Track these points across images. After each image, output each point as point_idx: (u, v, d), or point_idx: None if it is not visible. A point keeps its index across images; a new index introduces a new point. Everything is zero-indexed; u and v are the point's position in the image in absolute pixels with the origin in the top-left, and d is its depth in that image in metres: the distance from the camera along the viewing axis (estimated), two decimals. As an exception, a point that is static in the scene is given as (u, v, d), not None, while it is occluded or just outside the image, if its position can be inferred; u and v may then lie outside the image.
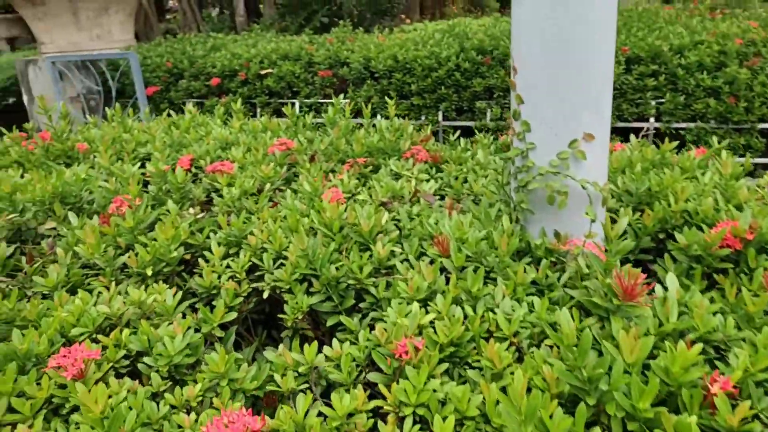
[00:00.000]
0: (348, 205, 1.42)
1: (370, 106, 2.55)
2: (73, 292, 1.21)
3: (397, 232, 1.33)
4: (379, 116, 5.41)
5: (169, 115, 2.85)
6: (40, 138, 2.26)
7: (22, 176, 1.78)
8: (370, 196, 1.58)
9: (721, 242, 1.14)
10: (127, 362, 0.98)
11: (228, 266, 1.26)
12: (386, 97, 5.22)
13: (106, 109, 3.24)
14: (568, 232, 1.21)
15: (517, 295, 1.06)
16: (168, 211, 1.47)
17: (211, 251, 1.29)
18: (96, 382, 0.82)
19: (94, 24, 6.97)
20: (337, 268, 1.16)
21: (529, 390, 0.75)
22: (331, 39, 6.82)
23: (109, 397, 0.81)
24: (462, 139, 2.42)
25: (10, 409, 0.83)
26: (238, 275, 1.24)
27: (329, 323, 1.12)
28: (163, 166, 1.69)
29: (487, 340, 0.92)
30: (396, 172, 1.89)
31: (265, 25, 9.64)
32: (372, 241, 1.25)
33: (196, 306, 1.16)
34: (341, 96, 2.84)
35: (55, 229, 1.50)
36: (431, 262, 1.18)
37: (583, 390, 0.78)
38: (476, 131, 3.09)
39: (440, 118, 5.60)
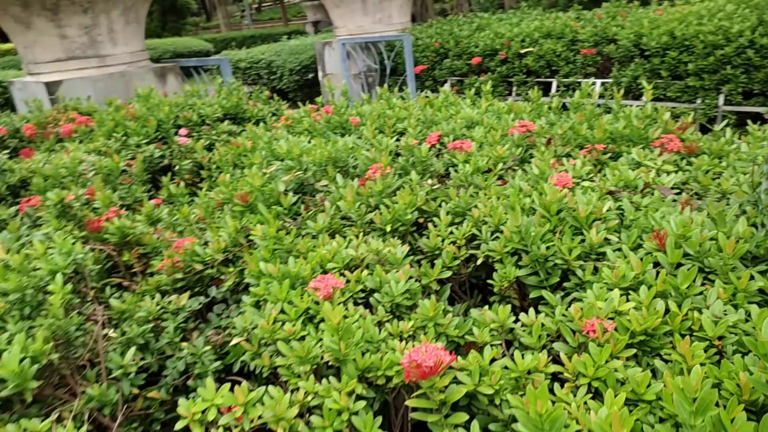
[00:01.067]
0: (572, 192, 1.46)
1: (621, 90, 2.44)
2: (332, 236, 1.54)
3: (617, 221, 1.33)
4: (643, 98, 5.03)
5: (428, 95, 3.15)
6: (325, 112, 2.76)
7: (309, 142, 2.23)
8: (599, 184, 1.58)
9: None
10: (362, 295, 1.24)
11: (451, 233, 1.44)
12: (656, 78, 4.81)
13: (381, 85, 3.72)
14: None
15: (736, 300, 1.00)
16: (410, 180, 1.71)
17: (439, 218, 1.49)
18: (338, 304, 1.07)
19: (377, 9, 7.83)
20: (547, 248, 1.24)
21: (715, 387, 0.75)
22: (600, 14, 6.45)
23: (345, 317, 1.06)
24: (729, 129, 2.16)
25: (282, 311, 1.16)
26: (458, 241, 1.41)
27: (532, 295, 1.21)
28: (413, 141, 1.95)
29: (684, 337, 0.91)
30: (637, 161, 1.82)
31: (534, 2, 9.54)
32: (587, 227, 1.28)
33: (420, 262, 1.37)
34: (597, 81, 2.76)
35: (327, 186, 1.88)
36: (648, 254, 1.17)
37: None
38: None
39: (720, 101, 4.90)
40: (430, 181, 1.74)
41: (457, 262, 1.35)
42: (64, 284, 1.23)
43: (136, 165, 2.73)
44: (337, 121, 2.63)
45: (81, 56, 5.21)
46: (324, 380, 0.97)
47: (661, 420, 0.80)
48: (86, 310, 1.42)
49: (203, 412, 0.94)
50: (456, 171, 1.76)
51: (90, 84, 5.11)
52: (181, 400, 0.96)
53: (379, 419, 0.88)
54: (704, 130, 4.84)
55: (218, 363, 1.38)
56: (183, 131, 3.35)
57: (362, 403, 0.91)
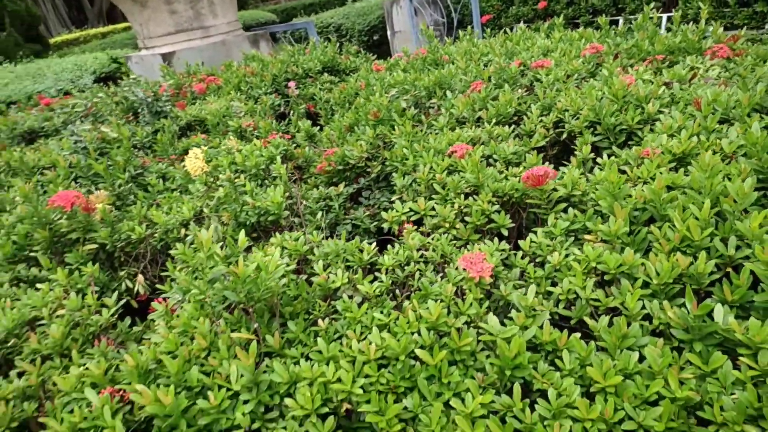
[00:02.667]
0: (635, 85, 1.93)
1: (679, 12, 2.80)
2: (452, 129, 2.09)
3: (669, 99, 1.80)
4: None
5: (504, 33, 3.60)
6: (420, 53, 3.28)
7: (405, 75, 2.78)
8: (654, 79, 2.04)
9: None
10: (483, 157, 1.79)
11: (541, 120, 1.95)
12: (723, 7, 5.00)
13: (448, 38, 4.18)
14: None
15: (747, 135, 1.47)
16: (504, 90, 2.23)
17: (531, 112, 2.00)
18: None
19: (443, -36, 8.13)
20: (615, 119, 1.74)
21: None
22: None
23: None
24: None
25: (431, 168, 1.73)
26: (547, 125, 1.92)
27: (605, 154, 1.72)
28: (504, 63, 2.45)
29: (710, 152, 1.40)
30: (690, 65, 2.25)
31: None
32: (645, 102, 1.77)
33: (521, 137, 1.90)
34: (663, 16, 3.10)
35: (435, 102, 2.43)
36: (690, 116, 1.64)
37: None
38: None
39: (791, 25, 5.00)
40: (519, 91, 2.25)
41: (546, 139, 1.87)
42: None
43: (268, 111, 3.37)
44: (431, 58, 3.15)
45: (188, 29, 5.94)
46: (470, 198, 1.53)
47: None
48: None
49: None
50: (539, 81, 2.26)
51: (197, 53, 5.84)
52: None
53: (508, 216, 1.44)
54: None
55: (373, 224, 1.98)
56: (292, 83, 3.97)
57: (496, 206, 1.48)
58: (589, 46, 2.66)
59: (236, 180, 1.74)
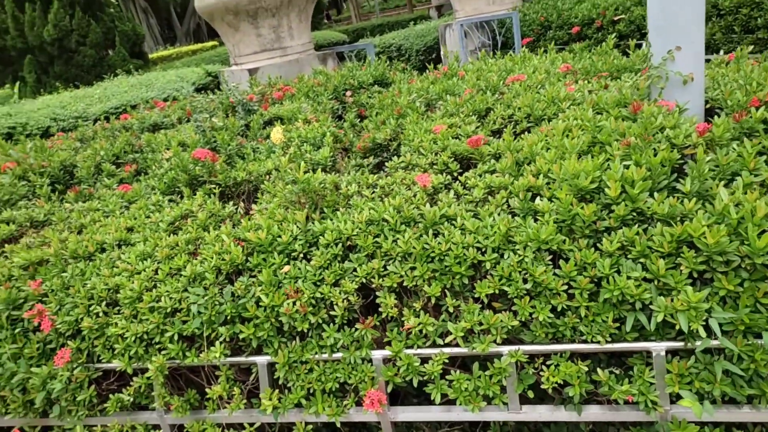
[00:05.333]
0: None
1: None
2: (450, 116, 3.09)
3: (579, 100, 2.73)
4: (722, 52, 6.00)
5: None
6: (443, 70, 4.32)
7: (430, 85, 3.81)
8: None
9: None
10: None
11: (501, 114, 2.92)
12: (731, 33, 5.77)
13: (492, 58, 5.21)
14: None
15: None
16: (483, 95, 3.21)
17: (496, 109, 2.98)
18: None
19: (492, -8, 9.14)
20: (540, 112, 2.69)
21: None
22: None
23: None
24: None
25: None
26: (503, 116, 2.89)
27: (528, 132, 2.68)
28: (494, 78, 3.45)
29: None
30: (621, 80, 3.15)
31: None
32: (561, 102, 2.72)
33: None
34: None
35: (441, 103, 3.44)
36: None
37: None
38: None
39: (789, 50, 5.64)
40: (497, 95, 3.23)
41: (500, 124, 2.84)
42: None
43: (327, 110, 4.49)
44: (450, 73, 4.18)
45: (270, 49, 7.24)
46: (439, 154, 2.54)
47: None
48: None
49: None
50: (508, 91, 3.24)
51: (277, 68, 7.10)
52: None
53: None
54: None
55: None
56: (349, 92, 5.09)
57: (452, 159, 2.48)
58: (563, 65, 3.60)
59: (302, 146, 2.84)
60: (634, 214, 1.82)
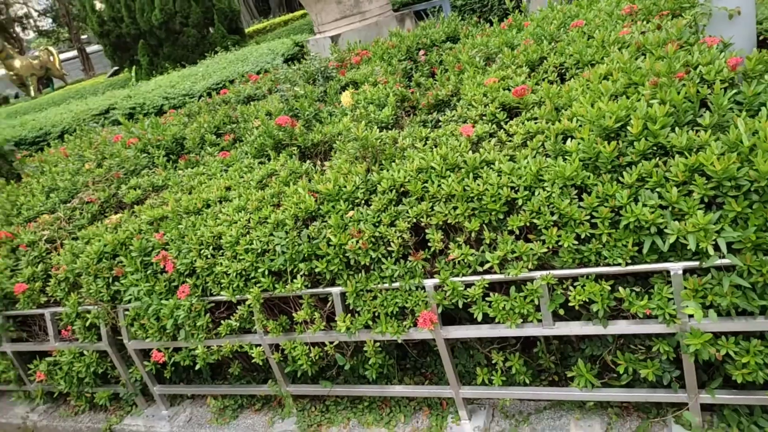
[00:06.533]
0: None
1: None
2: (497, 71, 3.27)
3: (628, 42, 2.80)
4: None
5: None
6: (507, 22, 4.41)
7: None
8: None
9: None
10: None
11: (552, 63, 3.05)
12: None
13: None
14: None
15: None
16: (539, 45, 3.32)
17: (548, 59, 3.10)
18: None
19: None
20: (589, 57, 2.80)
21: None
22: None
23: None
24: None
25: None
26: (556, 65, 3.02)
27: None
28: (555, 25, 3.53)
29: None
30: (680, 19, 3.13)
31: None
32: (609, 45, 2.80)
33: (537, 75, 3.04)
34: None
35: (499, 56, 3.59)
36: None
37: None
38: None
39: None
40: (552, 44, 3.34)
41: (553, 73, 2.97)
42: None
43: (398, 71, 4.76)
44: (514, 25, 4.27)
45: (350, 15, 7.56)
46: (487, 106, 2.76)
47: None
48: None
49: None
50: (562, 40, 3.32)
51: (356, 33, 7.42)
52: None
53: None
54: None
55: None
56: (422, 51, 5.29)
57: (500, 110, 2.69)
58: (626, 6, 3.59)
59: (367, 107, 3.18)
60: (655, 148, 1.97)
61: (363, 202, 2.44)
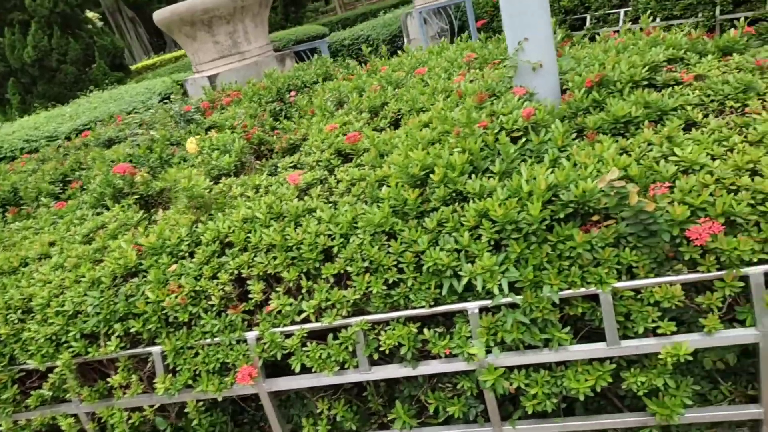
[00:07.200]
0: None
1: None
2: (346, 115, 3.35)
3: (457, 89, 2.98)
4: (658, 19, 6.21)
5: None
6: (367, 67, 4.56)
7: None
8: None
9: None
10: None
11: (392, 107, 3.17)
12: (664, 1, 5.95)
13: (452, 41, 5.40)
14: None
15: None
16: (384, 91, 3.46)
17: (389, 105, 3.23)
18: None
19: (446, -23, 9.29)
20: (421, 104, 2.94)
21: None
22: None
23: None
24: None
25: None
26: (394, 111, 3.14)
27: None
28: (403, 72, 3.69)
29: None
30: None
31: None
32: (439, 93, 2.96)
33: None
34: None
35: (349, 100, 3.69)
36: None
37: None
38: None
39: (717, 12, 5.81)
40: (395, 90, 3.48)
41: (390, 117, 3.09)
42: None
43: (266, 113, 4.76)
44: (372, 69, 4.42)
45: (228, 55, 7.50)
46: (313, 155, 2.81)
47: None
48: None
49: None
50: (404, 85, 3.48)
51: (235, 73, 7.36)
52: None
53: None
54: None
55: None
56: (293, 92, 5.33)
57: (334, 156, 2.74)
58: (467, 55, 3.83)
59: (212, 153, 3.12)
60: (455, 194, 2.08)
61: (188, 254, 2.37)
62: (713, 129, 2.00)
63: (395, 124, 3.12)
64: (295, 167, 2.85)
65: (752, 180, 1.74)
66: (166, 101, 8.04)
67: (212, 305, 2.22)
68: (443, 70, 3.62)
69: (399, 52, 4.91)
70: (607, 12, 6.82)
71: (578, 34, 7.06)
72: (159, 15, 7.34)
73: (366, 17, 20.82)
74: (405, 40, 10.28)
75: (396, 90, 3.49)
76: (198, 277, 2.26)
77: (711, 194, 1.74)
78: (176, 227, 2.45)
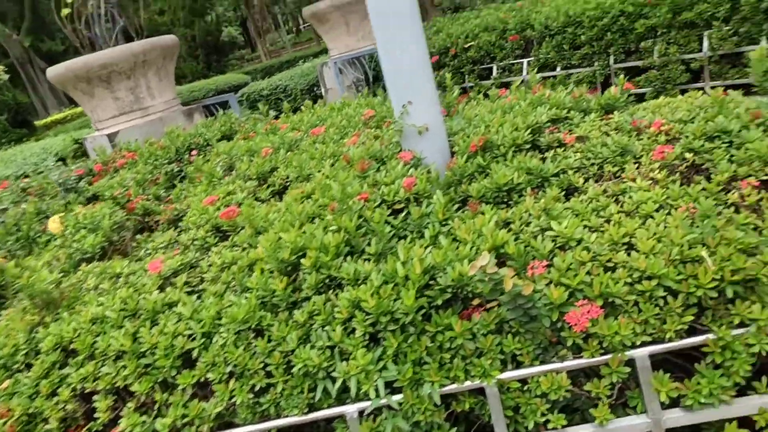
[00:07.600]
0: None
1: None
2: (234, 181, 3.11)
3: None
4: (559, 68, 6.34)
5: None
6: (270, 124, 4.36)
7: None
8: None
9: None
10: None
11: (280, 175, 2.97)
12: (562, 51, 6.10)
13: (366, 90, 5.28)
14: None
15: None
16: (277, 155, 3.26)
17: (278, 171, 3.02)
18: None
19: (358, 29, 9.39)
20: (309, 171, 2.75)
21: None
22: (520, 4, 7.68)
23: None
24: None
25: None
26: (282, 177, 2.94)
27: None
28: (301, 131, 3.50)
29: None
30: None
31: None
32: (329, 157, 2.79)
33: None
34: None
35: (241, 163, 3.46)
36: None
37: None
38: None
39: (611, 61, 6.06)
40: (287, 154, 3.29)
41: (277, 186, 2.88)
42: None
43: (162, 177, 4.43)
44: (271, 129, 4.23)
45: (129, 111, 7.11)
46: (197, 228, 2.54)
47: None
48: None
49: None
50: (297, 147, 3.30)
51: (137, 130, 6.97)
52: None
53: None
54: (606, 86, 6.02)
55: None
56: (193, 152, 5.03)
57: (211, 233, 2.48)
58: (366, 112, 3.71)
59: (76, 234, 2.78)
60: (329, 281, 1.87)
61: (24, 366, 2.01)
62: (591, 197, 1.91)
63: (282, 192, 2.90)
64: (166, 247, 2.56)
65: (628, 255, 1.64)
66: (63, 162, 7.50)
67: (50, 430, 1.87)
68: (339, 129, 3.47)
69: (319, 100, 4.77)
70: (511, 62, 7.02)
71: (486, 83, 7.24)
72: (53, 72, 6.88)
73: (291, 64, 20.86)
74: (322, 90, 10.24)
75: (288, 153, 3.29)
76: (33, 396, 1.91)
77: (588, 272, 1.62)
78: (13, 332, 2.09)
